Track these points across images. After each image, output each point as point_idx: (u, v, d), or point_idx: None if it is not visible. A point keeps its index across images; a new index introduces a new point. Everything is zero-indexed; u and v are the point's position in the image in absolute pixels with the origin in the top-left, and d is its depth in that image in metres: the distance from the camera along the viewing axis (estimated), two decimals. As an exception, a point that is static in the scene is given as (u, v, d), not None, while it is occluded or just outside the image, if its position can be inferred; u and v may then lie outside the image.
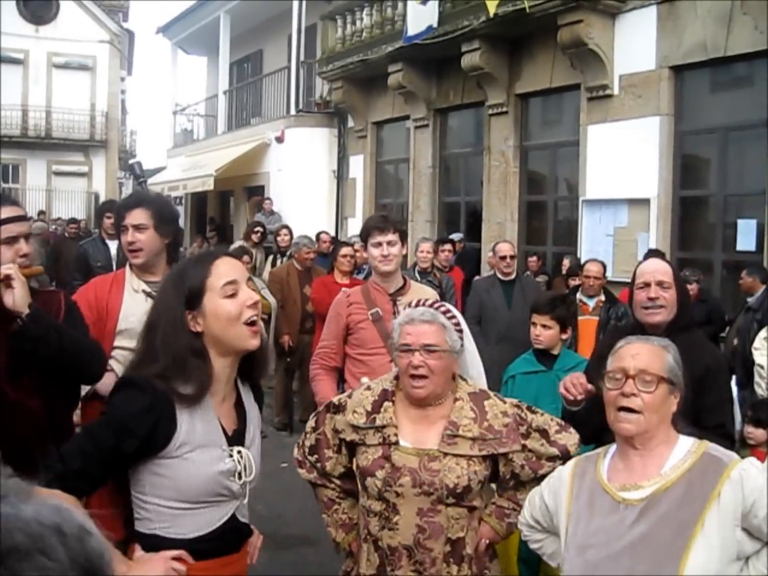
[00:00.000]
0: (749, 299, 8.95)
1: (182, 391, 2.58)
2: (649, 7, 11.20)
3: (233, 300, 2.66)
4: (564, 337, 5.38)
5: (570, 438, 3.30)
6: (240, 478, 2.69)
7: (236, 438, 2.74)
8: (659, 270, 3.92)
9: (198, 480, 2.60)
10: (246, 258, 9.32)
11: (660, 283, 3.85)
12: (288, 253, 11.87)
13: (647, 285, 3.87)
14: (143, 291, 4.23)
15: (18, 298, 3.06)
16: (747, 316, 8.61)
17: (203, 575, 2.60)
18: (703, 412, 3.54)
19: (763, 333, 7.38)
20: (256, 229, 12.86)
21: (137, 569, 2.51)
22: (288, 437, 9.58)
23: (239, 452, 2.71)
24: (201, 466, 2.60)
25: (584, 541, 2.70)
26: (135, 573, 2.49)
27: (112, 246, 9.67)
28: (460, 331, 3.30)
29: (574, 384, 3.72)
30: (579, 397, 3.68)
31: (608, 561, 2.61)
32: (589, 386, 3.68)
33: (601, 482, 2.75)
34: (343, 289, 8.91)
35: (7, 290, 3.06)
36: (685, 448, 2.70)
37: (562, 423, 3.33)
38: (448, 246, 10.98)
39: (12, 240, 3.25)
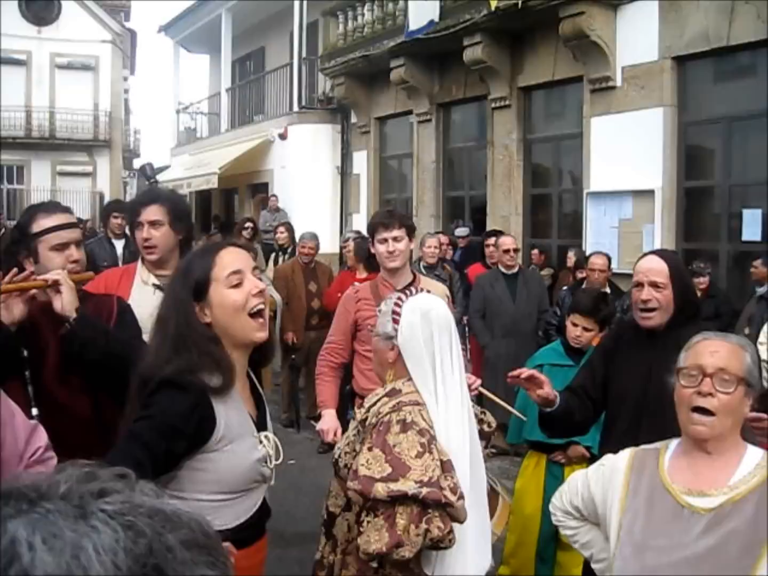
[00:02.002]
0: (759, 289, 8.92)
1: (212, 383, 2.60)
2: (650, -3, 11.17)
3: (238, 290, 2.68)
4: (601, 335, 5.28)
5: None
6: (270, 462, 2.75)
7: (260, 423, 2.80)
8: (653, 270, 3.79)
9: (240, 470, 2.65)
10: (251, 254, 9.33)
11: (653, 284, 3.74)
12: (289, 249, 11.89)
13: (641, 285, 3.78)
14: (153, 284, 4.26)
15: (66, 303, 3.15)
16: (760, 306, 8.59)
17: (245, 564, 2.60)
18: None
19: (766, 328, 7.34)
20: (246, 225, 12.73)
21: None
22: (295, 434, 9.58)
23: (266, 437, 2.76)
24: (242, 456, 2.65)
25: (643, 542, 2.58)
26: None
27: (118, 245, 9.71)
28: (396, 321, 3.14)
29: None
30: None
31: (669, 568, 2.50)
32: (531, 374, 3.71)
33: (663, 480, 2.63)
34: (355, 283, 8.98)
35: (56, 295, 3.15)
36: (754, 461, 2.57)
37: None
38: (492, 240, 10.20)
39: (62, 246, 3.34)
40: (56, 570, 0.73)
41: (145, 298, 4.02)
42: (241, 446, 2.64)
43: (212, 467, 2.61)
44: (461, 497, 2.77)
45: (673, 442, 2.73)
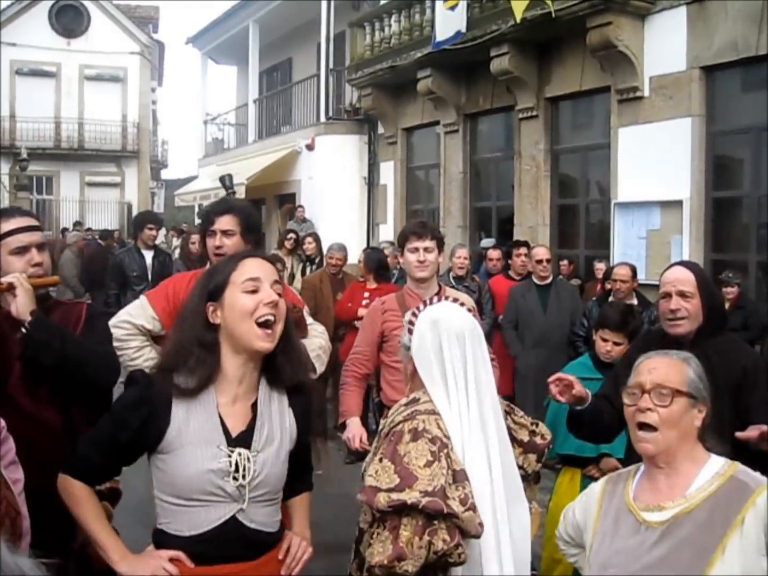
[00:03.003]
0: None
1: (183, 385, 2.63)
2: (678, 7, 11.12)
3: (252, 296, 2.69)
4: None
5: None
6: (236, 479, 2.65)
7: (242, 439, 2.71)
8: (680, 279, 3.80)
9: (187, 475, 2.61)
10: (278, 266, 9.38)
11: (681, 294, 3.75)
12: (317, 260, 11.98)
13: (668, 295, 3.79)
14: None
15: (20, 306, 3.09)
16: None
17: None
18: (752, 413, 3.48)
19: None
20: (289, 236, 12.89)
21: (128, 564, 2.61)
22: (322, 444, 9.57)
23: (239, 453, 2.68)
24: (190, 462, 2.61)
25: (606, 561, 2.67)
26: (123, 567, 2.59)
27: (148, 256, 9.84)
28: (411, 331, 3.14)
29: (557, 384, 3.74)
30: (560, 399, 3.69)
31: None
32: (575, 386, 3.69)
33: (627, 501, 2.73)
34: (365, 293, 9.00)
35: (12, 299, 3.11)
36: (714, 470, 2.63)
37: None
38: (523, 250, 9.98)
39: (22, 250, 3.29)
40: None
41: None
42: (193, 453, 2.61)
43: (167, 468, 2.64)
44: (471, 508, 2.71)
45: (643, 465, 2.80)
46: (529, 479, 3.29)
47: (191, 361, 2.66)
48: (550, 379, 3.74)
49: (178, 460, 2.62)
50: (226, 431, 2.69)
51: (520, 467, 3.16)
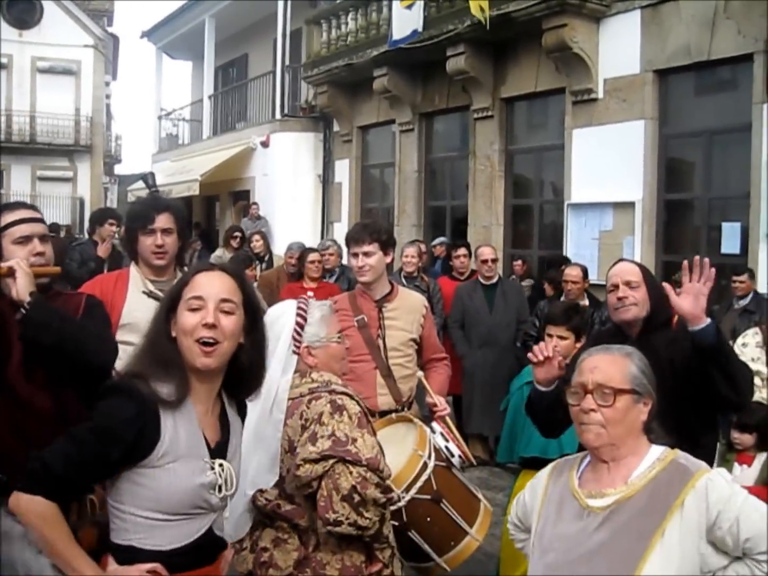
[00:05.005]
0: (741, 302, 8.95)
1: (164, 396, 2.54)
2: (633, 11, 11.23)
3: (193, 314, 2.62)
4: (578, 346, 5.28)
5: None
6: (220, 491, 2.65)
7: (219, 450, 2.70)
8: (625, 270, 3.98)
9: (178, 492, 2.56)
10: (253, 264, 9.40)
11: (627, 283, 3.90)
12: (266, 258, 11.93)
13: (615, 286, 3.93)
14: (149, 291, 4.37)
15: (20, 287, 3.19)
16: (743, 318, 8.65)
17: None
18: (709, 387, 3.57)
19: (740, 340, 7.42)
20: (235, 234, 12.77)
21: None
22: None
23: (221, 465, 2.67)
24: (183, 478, 2.56)
25: (548, 545, 2.69)
26: None
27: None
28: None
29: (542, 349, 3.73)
30: (544, 356, 3.68)
31: (566, 566, 2.59)
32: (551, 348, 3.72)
33: (571, 487, 2.74)
34: (309, 293, 8.94)
35: (12, 282, 3.20)
36: (654, 456, 2.66)
37: None
38: (462, 251, 10.06)
39: (25, 240, 3.40)
40: None
41: (141, 302, 4.21)
42: (184, 467, 2.57)
43: (151, 484, 2.53)
44: None
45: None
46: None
47: (166, 371, 2.59)
48: (535, 348, 3.74)
49: (168, 476, 2.54)
50: (206, 443, 2.67)
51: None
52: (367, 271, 4.88)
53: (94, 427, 2.51)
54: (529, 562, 2.78)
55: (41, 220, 3.54)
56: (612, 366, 2.70)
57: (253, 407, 3.10)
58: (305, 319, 3.43)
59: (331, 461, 2.99)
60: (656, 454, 2.67)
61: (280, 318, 3.42)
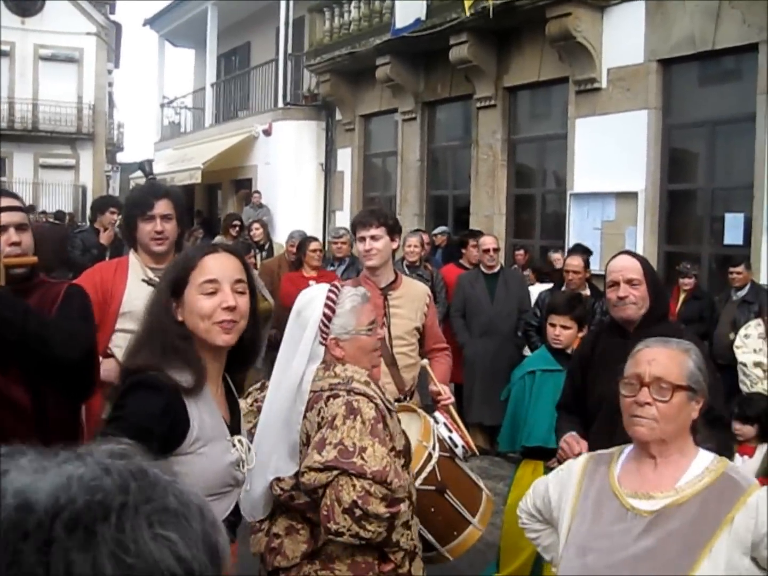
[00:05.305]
0: (740, 292, 8.94)
1: (183, 383, 2.56)
2: (637, 0, 11.17)
3: (209, 299, 2.62)
4: (581, 335, 5.29)
5: None
6: (243, 466, 2.71)
7: (234, 427, 2.75)
8: (627, 267, 3.92)
9: (213, 473, 2.60)
10: (251, 252, 9.38)
11: (629, 281, 3.85)
12: (266, 246, 11.91)
13: (616, 284, 3.88)
14: (148, 277, 4.33)
15: None
16: (742, 309, 8.63)
17: None
18: None
19: (742, 331, 7.42)
20: (234, 222, 12.73)
21: None
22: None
23: (240, 441, 2.72)
24: (215, 459, 2.61)
25: (586, 543, 2.61)
26: None
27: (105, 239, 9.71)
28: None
29: (573, 449, 3.77)
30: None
31: (608, 569, 2.52)
32: (584, 444, 3.74)
33: (612, 485, 2.65)
34: (311, 282, 8.93)
35: None
36: (704, 464, 2.59)
37: None
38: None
39: (1, 229, 3.29)
40: None
41: (141, 290, 4.11)
42: (214, 449, 2.61)
43: (185, 470, 2.50)
44: None
45: (628, 447, 2.75)
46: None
47: (181, 358, 2.59)
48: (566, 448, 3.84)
49: (202, 460, 2.58)
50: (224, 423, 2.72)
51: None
52: (374, 254, 4.86)
53: (128, 427, 2.44)
54: (562, 560, 2.69)
55: (20, 209, 3.44)
56: (671, 360, 2.61)
57: (279, 394, 3.12)
58: (333, 311, 3.24)
59: (334, 472, 2.89)
60: (705, 462, 2.60)
61: (309, 305, 3.28)
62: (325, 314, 3.21)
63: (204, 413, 2.61)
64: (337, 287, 3.32)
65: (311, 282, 8.86)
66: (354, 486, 2.86)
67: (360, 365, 3.24)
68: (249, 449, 2.76)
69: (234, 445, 2.69)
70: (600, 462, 2.77)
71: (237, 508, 2.79)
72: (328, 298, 3.25)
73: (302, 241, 9.32)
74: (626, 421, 2.63)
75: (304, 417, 3.13)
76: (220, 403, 2.76)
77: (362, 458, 2.89)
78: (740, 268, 9.02)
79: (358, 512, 2.86)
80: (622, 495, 2.60)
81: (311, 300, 3.28)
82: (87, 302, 3.61)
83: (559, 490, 2.83)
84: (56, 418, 3.29)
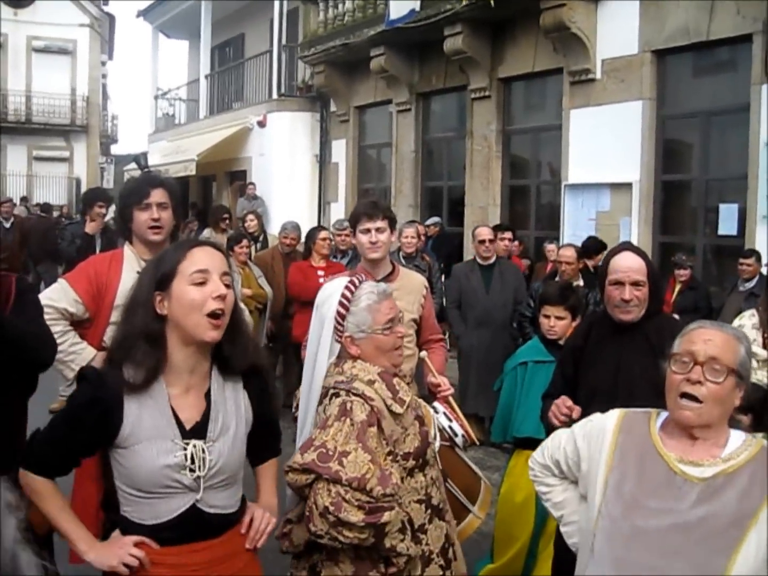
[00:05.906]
0: (747, 284, 8.93)
1: (131, 379, 2.60)
2: (631, -10, 11.19)
3: (200, 288, 2.64)
4: (574, 325, 5.26)
5: None
6: (192, 472, 2.65)
7: (197, 430, 2.70)
8: (633, 268, 3.78)
9: (144, 471, 2.62)
10: (245, 242, 9.37)
11: (635, 283, 3.75)
12: (260, 238, 11.87)
13: (620, 283, 3.76)
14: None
15: None
16: (749, 302, 8.61)
17: (168, 561, 2.66)
18: None
19: (736, 321, 7.42)
20: (224, 216, 12.63)
21: (95, 552, 2.64)
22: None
23: (194, 446, 2.67)
24: (147, 459, 2.61)
25: (634, 501, 2.57)
26: (92, 556, 2.63)
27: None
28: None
29: (560, 410, 3.74)
30: (562, 420, 3.68)
31: (658, 532, 2.50)
32: (577, 409, 3.69)
33: (656, 445, 2.62)
34: (319, 272, 8.94)
35: None
36: (741, 439, 2.59)
37: None
38: (508, 234, 10.42)
39: None
40: None
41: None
42: (148, 449, 2.61)
43: (124, 462, 2.63)
44: None
45: (663, 413, 2.70)
46: None
47: (138, 354, 2.62)
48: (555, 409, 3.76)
49: (135, 456, 2.61)
50: (179, 423, 2.68)
51: None
52: (380, 247, 4.83)
53: (62, 412, 2.72)
54: (602, 516, 2.63)
55: None
56: (726, 343, 2.58)
57: (311, 386, 3.19)
58: (347, 308, 3.15)
59: (312, 475, 2.84)
60: (742, 436, 2.60)
61: (327, 300, 3.22)
62: (338, 312, 3.16)
63: (146, 411, 2.63)
64: (354, 283, 3.23)
65: (319, 272, 8.89)
66: (329, 491, 2.80)
67: (378, 364, 3.15)
68: (207, 455, 2.68)
69: (184, 449, 2.64)
70: (636, 420, 2.73)
71: (197, 512, 2.71)
72: (342, 295, 3.18)
73: (311, 231, 9.35)
74: (672, 400, 2.59)
75: (316, 412, 3.14)
76: (190, 403, 2.73)
77: (340, 463, 2.82)
78: (750, 260, 9.01)
79: (331, 518, 2.80)
80: (669, 458, 2.58)
81: (330, 296, 3.23)
82: (38, 298, 3.59)
83: (589, 442, 2.79)
84: (13, 411, 3.31)
